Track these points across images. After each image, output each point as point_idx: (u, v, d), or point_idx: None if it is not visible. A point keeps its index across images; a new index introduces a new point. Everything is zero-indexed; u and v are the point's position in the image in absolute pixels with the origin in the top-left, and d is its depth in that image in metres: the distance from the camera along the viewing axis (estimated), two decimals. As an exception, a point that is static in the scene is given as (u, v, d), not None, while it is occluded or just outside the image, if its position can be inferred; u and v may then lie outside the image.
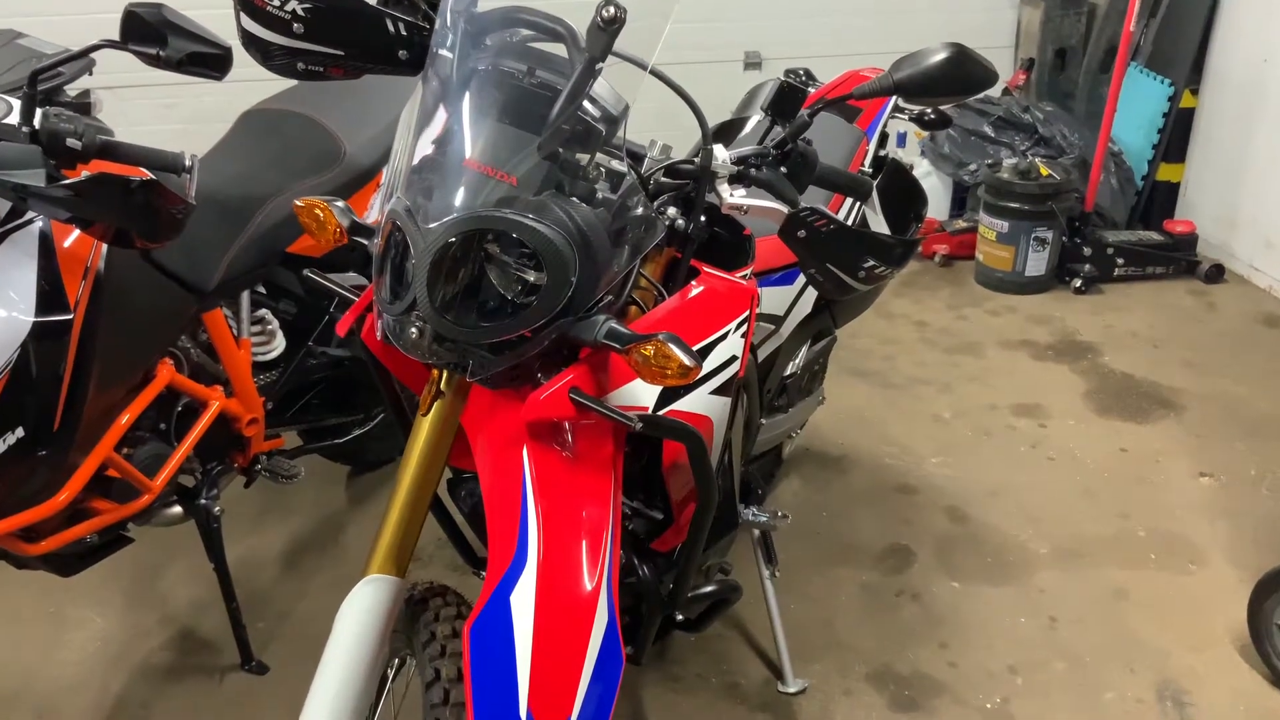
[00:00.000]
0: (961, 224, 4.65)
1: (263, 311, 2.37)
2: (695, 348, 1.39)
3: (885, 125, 2.54)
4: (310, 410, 2.59)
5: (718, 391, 1.44)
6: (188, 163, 1.70)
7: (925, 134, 4.77)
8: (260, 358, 2.36)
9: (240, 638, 2.33)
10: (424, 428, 1.37)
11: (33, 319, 1.63)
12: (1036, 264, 4.24)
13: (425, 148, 1.26)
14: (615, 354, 1.22)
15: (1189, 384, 3.52)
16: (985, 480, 3.01)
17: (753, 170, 1.47)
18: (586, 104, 1.22)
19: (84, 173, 1.61)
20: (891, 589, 2.58)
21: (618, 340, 1.21)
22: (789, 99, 1.50)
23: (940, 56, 1.43)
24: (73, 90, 2.46)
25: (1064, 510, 2.87)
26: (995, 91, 4.89)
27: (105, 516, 1.97)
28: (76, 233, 1.71)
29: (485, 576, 1.20)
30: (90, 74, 2.41)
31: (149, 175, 1.66)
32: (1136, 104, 4.60)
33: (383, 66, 1.36)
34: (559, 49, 1.31)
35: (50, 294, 1.67)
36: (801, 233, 1.52)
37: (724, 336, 1.43)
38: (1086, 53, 4.88)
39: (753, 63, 4.95)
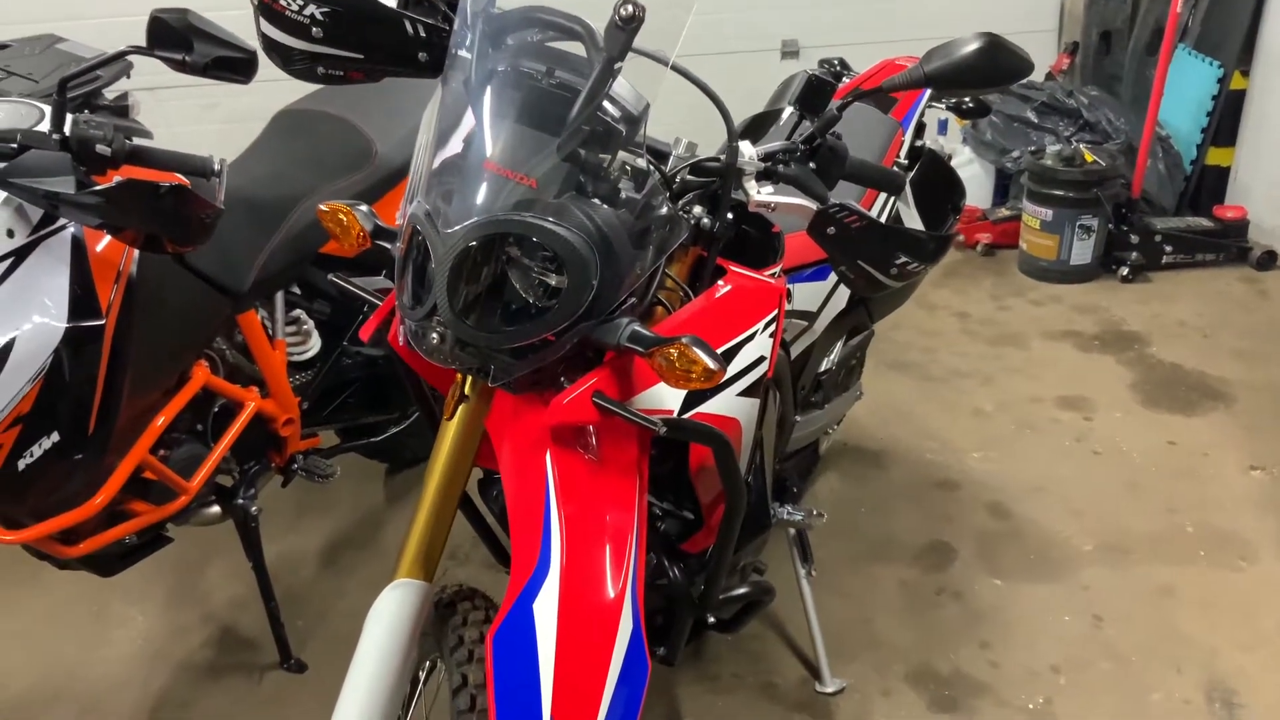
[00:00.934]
0: (1004, 212, 4.57)
1: (297, 312, 2.38)
2: (722, 348, 1.37)
3: (923, 114, 2.50)
4: (346, 409, 2.60)
5: (746, 393, 1.42)
6: (217, 167, 1.71)
7: (966, 121, 4.69)
8: (296, 358, 2.37)
9: (279, 636, 2.34)
10: (449, 432, 1.36)
11: (65, 325, 1.64)
12: (1082, 252, 4.16)
13: (445, 151, 1.25)
14: (639, 357, 1.21)
15: (1239, 374, 3.44)
16: (1028, 475, 2.95)
17: (780, 167, 1.44)
18: (606, 104, 1.20)
19: (115, 178, 1.62)
20: (932, 587, 2.54)
21: (641, 343, 1.19)
22: (817, 93, 1.47)
23: (973, 47, 1.38)
24: (111, 93, 2.49)
25: (1109, 505, 2.81)
26: (1038, 76, 4.80)
27: (143, 518, 1.99)
28: (108, 238, 1.72)
29: (508, 582, 1.19)
30: (128, 76, 2.44)
31: (180, 180, 1.67)
32: (1184, 87, 4.49)
33: (402, 69, 1.35)
34: (578, 48, 1.29)
35: (83, 299, 1.68)
36: (831, 229, 1.48)
37: (752, 336, 1.41)
38: (1132, 35, 4.76)
39: (790, 51, 4.90)
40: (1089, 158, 4.10)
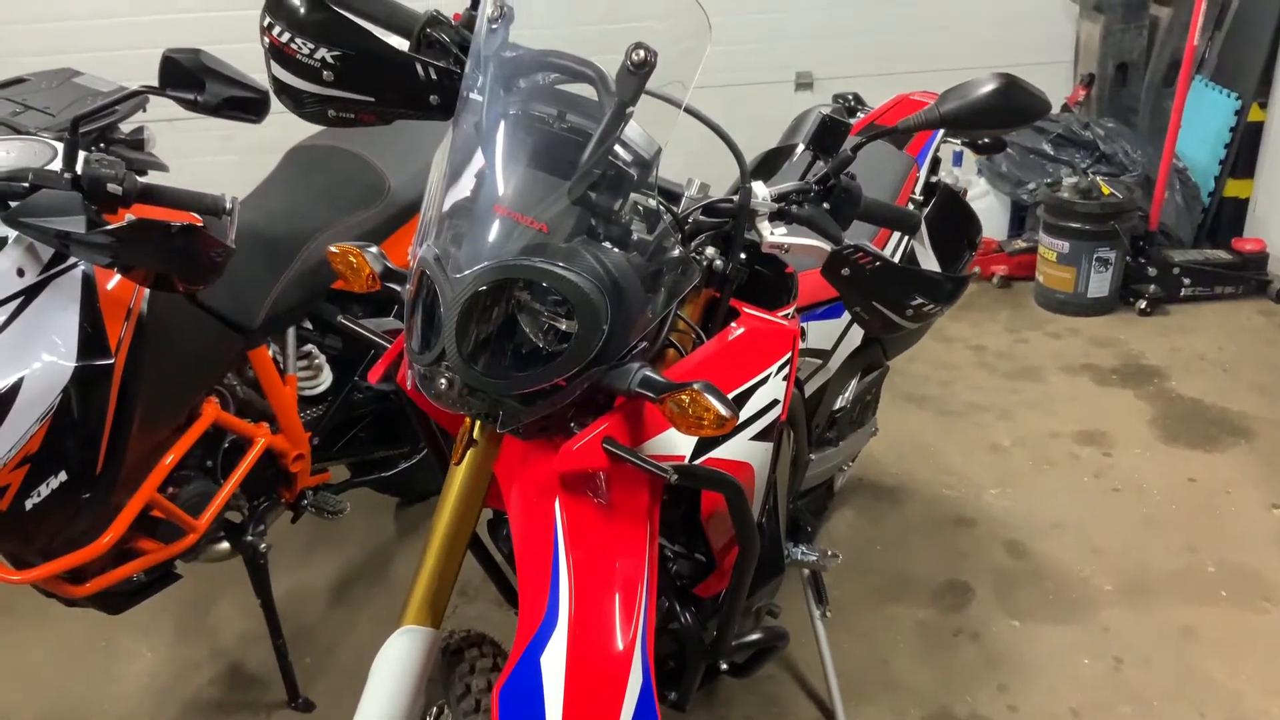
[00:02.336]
0: (1020, 244, 4.54)
1: (309, 347, 2.38)
2: (735, 392, 1.35)
3: (938, 150, 2.48)
4: (357, 444, 2.59)
5: (759, 437, 1.40)
6: (228, 205, 1.70)
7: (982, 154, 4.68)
8: (307, 392, 2.36)
9: (286, 674, 2.32)
10: (457, 477, 1.34)
11: (75, 364, 1.64)
12: (1099, 285, 4.13)
13: (455, 193, 1.23)
14: (650, 403, 1.19)
15: (1261, 409, 3.39)
16: (1047, 512, 2.91)
17: (794, 208, 1.43)
18: (618, 148, 1.19)
19: (127, 217, 1.62)
20: (949, 627, 2.50)
21: (652, 389, 1.17)
22: (831, 133, 1.45)
23: (989, 88, 1.36)
24: (127, 126, 2.50)
25: (1129, 544, 2.76)
26: (1054, 108, 4.78)
27: (151, 556, 1.98)
28: (119, 276, 1.71)
29: (516, 632, 1.16)
30: (145, 110, 2.45)
31: (193, 219, 1.67)
32: (1202, 119, 4.47)
33: (413, 112, 1.34)
34: (590, 91, 1.28)
35: (93, 338, 1.67)
36: (845, 271, 1.46)
37: (765, 380, 1.39)
38: (1149, 67, 4.75)
39: (804, 83, 4.90)
40: (1105, 190, 4.08)
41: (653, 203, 1.28)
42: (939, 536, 2.84)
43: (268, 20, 1.25)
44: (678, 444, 1.28)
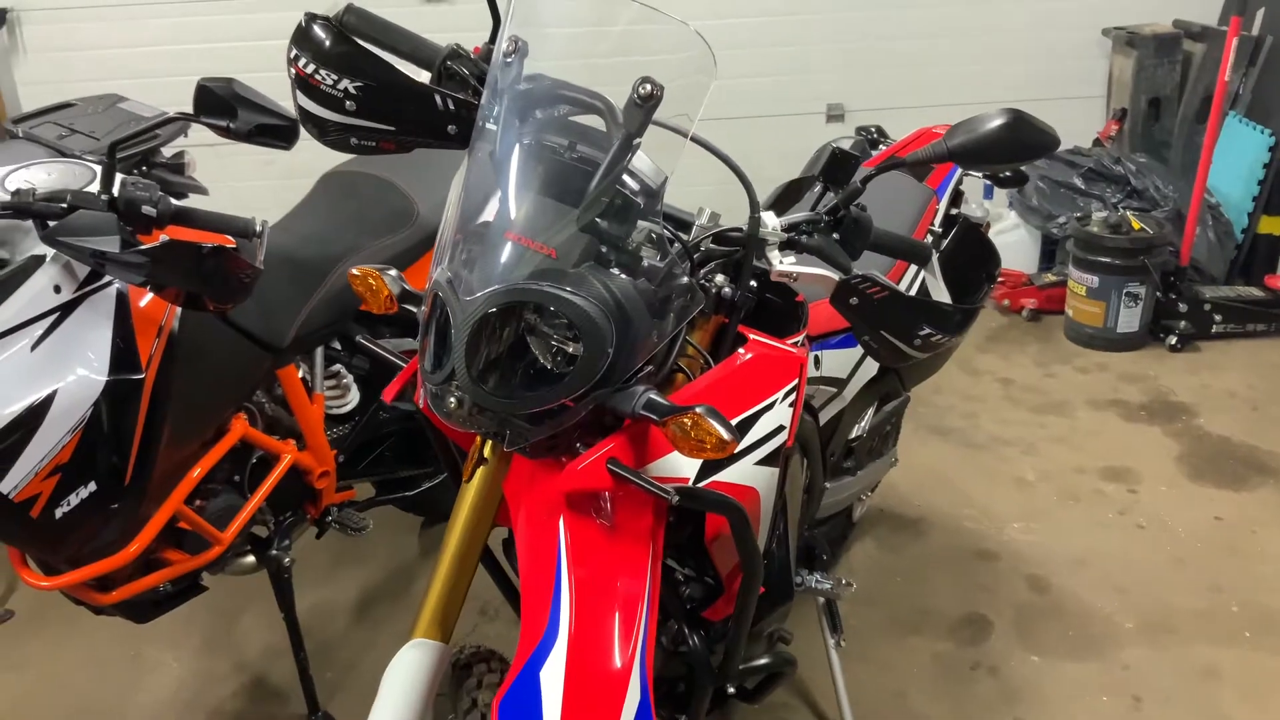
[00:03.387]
0: (1050, 278, 4.53)
1: (337, 367, 2.43)
2: (741, 417, 1.38)
3: (959, 183, 2.50)
4: (382, 463, 2.63)
5: (764, 462, 1.42)
6: (258, 228, 1.76)
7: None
8: (334, 411, 2.41)
9: (308, 688, 2.36)
10: (468, 494, 1.38)
11: (106, 378, 1.69)
12: (1129, 320, 4.11)
13: (468, 219, 1.28)
14: (654, 425, 1.22)
15: (1291, 449, 3.36)
16: (1070, 548, 2.90)
17: (804, 237, 1.46)
18: (626, 177, 1.22)
19: (161, 238, 1.68)
20: (967, 661, 2.49)
21: (655, 411, 1.20)
22: (841, 165, 1.48)
23: (997, 123, 1.39)
24: (169, 151, 2.58)
25: (1153, 581, 2.74)
26: (1085, 142, 4.78)
27: (177, 567, 2.02)
28: (151, 294, 1.77)
29: (517, 647, 1.19)
30: (186, 135, 2.53)
31: (223, 240, 1.72)
32: (1235, 155, 4.45)
33: (432, 141, 1.39)
34: (601, 122, 1.32)
35: (124, 353, 1.73)
36: (854, 300, 1.49)
37: (771, 405, 1.41)
38: (1182, 102, 4.74)
39: (835, 115, 4.93)
40: (1136, 225, 4.07)
41: (661, 232, 1.32)
42: (960, 569, 2.83)
43: (294, 52, 1.31)
44: (682, 466, 1.31)
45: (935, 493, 3.20)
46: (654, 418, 1.19)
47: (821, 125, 4.95)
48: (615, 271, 1.23)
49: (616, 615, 1.19)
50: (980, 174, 2.43)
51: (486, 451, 1.35)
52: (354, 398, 2.46)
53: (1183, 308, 4.14)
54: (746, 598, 1.46)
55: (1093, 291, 4.12)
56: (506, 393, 1.21)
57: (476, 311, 1.18)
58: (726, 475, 1.36)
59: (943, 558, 2.89)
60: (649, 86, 1.14)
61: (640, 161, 1.23)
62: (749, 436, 1.38)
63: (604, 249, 1.24)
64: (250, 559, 2.29)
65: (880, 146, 2.55)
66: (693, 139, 1.29)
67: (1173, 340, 4.13)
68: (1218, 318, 4.16)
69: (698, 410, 1.16)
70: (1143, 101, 4.73)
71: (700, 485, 1.33)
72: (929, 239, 2.26)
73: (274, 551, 2.26)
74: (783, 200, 2.21)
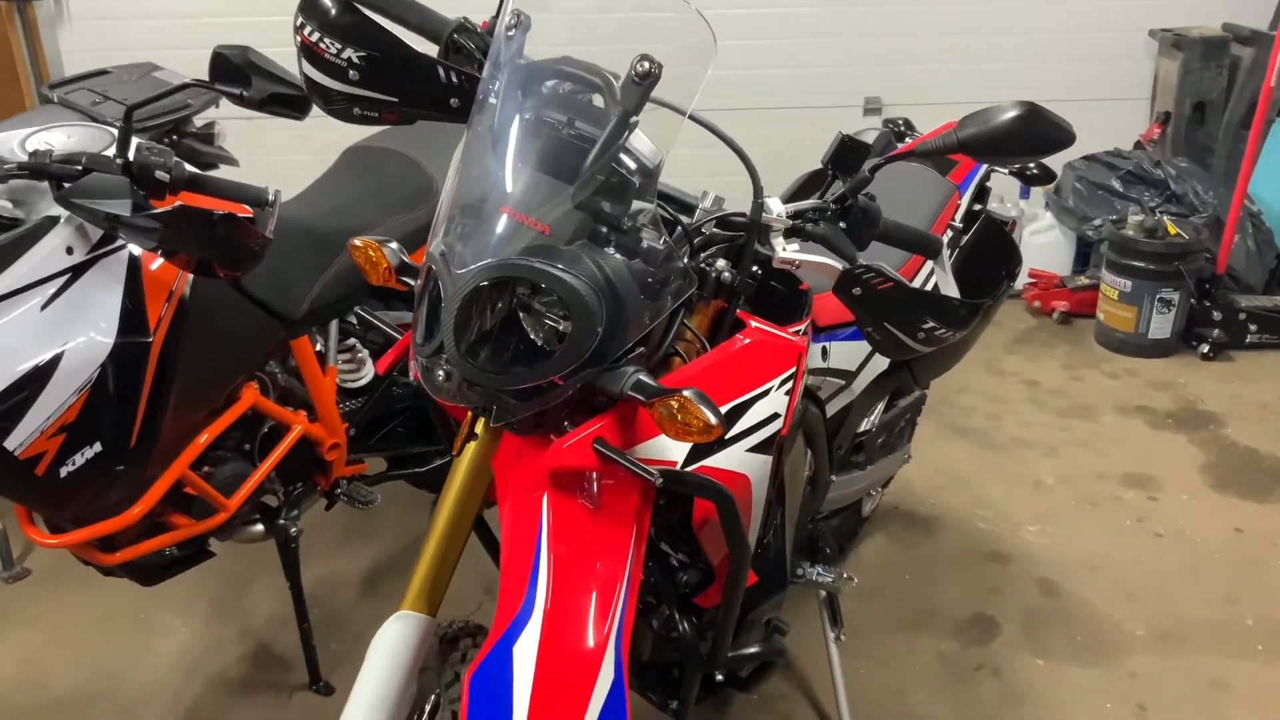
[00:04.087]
0: (1083, 280, 4.47)
1: (352, 340, 2.44)
2: (734, 403, 1.37)
3: (986, 179, 2.47)
4: (394, 438, 2.64)
5: (757, 449, 1.41)
6: (270, 198, 1.77)
7: (1049, 186, 4.62)
8: (348, 385, 2.43)
9: (310, 658, 2.38)
10: (459, 469, 1.38)
11: (114, 340, 1.71)
12: (1161, 326, 4.04)
13: (466, 193, 1.27)
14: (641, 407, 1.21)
15: (1319, 463, 3.29)
16: (1084, 553, 2.86)
17: (809, 225, 1.44)
18: (623, 156, 1.21)
19: (177, 203, 1.69)
20: (971, 661, 2.47)
21: (643, 392, 1.19)
22: (850, 153, 1.47)
23: (1010, 115, 1.36)
24: (200, 120, 2.61)
25: (1166, 590, 2.70)
26: (1126, 144, 4.70)
27: (182, 531, 2.05)
28: (163, 259, 1.79)
29: (493, 622, 1.19)
30: (217, 106, 2.55)
31: (242, 209, 1.73)
32: (1280, 163, 4.36)
33: (435, 113, 1.39)
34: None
35: (133, 316, 1.75)
36: (857, 290, 1.47)
37: (766, 393, 1.40)
38: (1228, 107, 4.64)
39: (873, 108, 4.88)
40: (1172, 230, 4.00)
41: (661, 212, 1.31)
42: (970, 569, 2.80)
43: (300, 20, 1.31)
44: (670, 450, 1.30)
45: (951, 492, 3.17)
46: (641, 398, 1.19)
47: (859, 118, 4.90)
48: (610, 250, 1.22)
49: (594, 594, 1.19)
50: (1006, 170, 2.38)
51: (478, 428, 1.35)
52: (368, 372, 2.48)
53: (1217, 316, 4.07)
54: (734, 585, 1.46)
55: (1125, 296, 4.06)
56: (495, 368, 1.21)
57: (466, 285, 1.18)
58: (716, 460, 1.35)
59: (954, 557, 2.86)
60: (647, 64, 1.13)
61: (638, 141, 1.22)
62: (742, 423, 1.37)
63: (599, 227, 1.23)
64: (259, 528, 2.31)
65: (907, 139, 2.52)
66: (694, 119, 1.27)
67: (1205, 348, 4.05)
68: (1253, 327, 4.08)
69: (685, 393, 1.15)
70: (1187, 105, 4.63)
71: (689, 469, 1.32)
72: (949, 234, 2.23)
73: (281, 521, 2.28)
74: (806, 189, 2.19)
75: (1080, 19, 4.75)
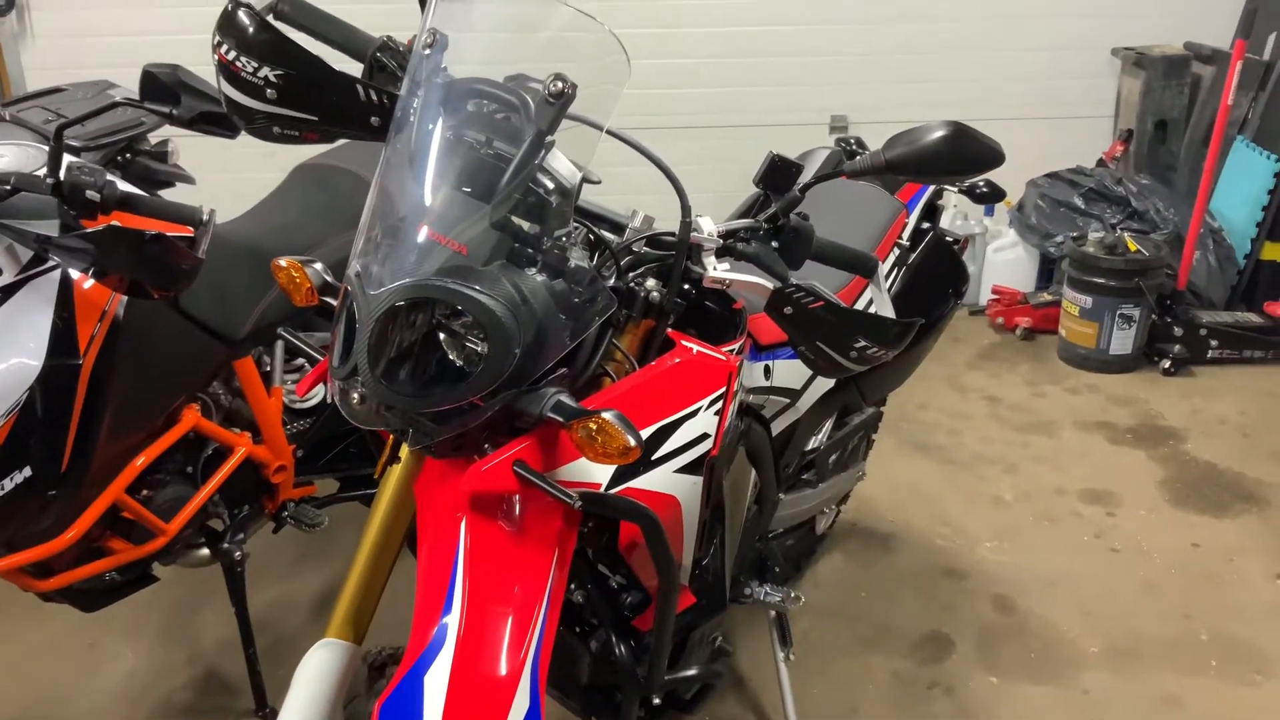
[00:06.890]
0: (1046, 297, 4.49)
1: (300, 360, 2.42)
2: (661, 423, 1.36)
3: (936, 197, 2.47)
4: (345, 459, 2.61)
5: (686, 470, 1.39)
6: (205, 217, 1.75)
7: (1011, 203, 4.64)
8: (296, 405, 2.40)
9: (256, 684, 2.34)
10: (383, 494, 1.36)
11: (43, 363, 1.69)
12: (1122, 342, 4.06)
13: (383, 213, 1.26)
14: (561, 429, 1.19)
15: (1276, 477, 3.30)
16: (1041, 569, 2.86)
17: (740, 244, 1.43)
18: (541, 176, 1.21)
19: (109, 223, 1.67)
20: (924, 680, 2.46)
21: (562, 414, 1.18)
22: (781, 173, 1.46)
23: (937, 135, 1.36)
24: (154, 138, 2.58)
25: (1122, 606, 2.70)
26: (1089, 162, 4.73)
27: (120, 556, 2.01)
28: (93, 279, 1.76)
29: (405, 651, 1.17)
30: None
31: (178, 229, 1.71)
32: (1241, 179, 4.39)
33: (356, 132, 1.38)
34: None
35: (64, 338, 1.72)
36: (788, 309, 1.46)
37: (694, 413, 1.39)
38: (1189, 125, 4.68)
39: (838, 127, 4.90)
40: (1132, 246, 4.02)
41: (586, 232, 1.30)
42: (927, 587, 2.80)
43: (217, 39, 1.30)
44: (594, 472, 1.28)
45: (911, 509, 3.16)
46: (560, 420, 1.17)
47: (825, 137, 4.92)
48: (529, 271, 1.21)
49: (510, 620, 1.17)
50: (955, 188, 2.39)
51: (402, 451, 1.33)
52: (317, 392, 2.45)
53: (1178, 331, 4.09)
54: (665, 606, 1.44)
55: (1086, 312, 4.07)
56: (413, 389, 1.19)
57: (380, 306, 1.16)
58: (643, 482, 1.33)
59: (911, 574, 2.85)
60: (560, 84, 1.13)
61: (556, 161, 1.21)
62: (669, 443, 1.36)
63: (520, 247, 1.22)
64: (204, 552, 2.27)
65: (858, 158, 2.52)
66: (613, 134, 1.27)
67: (1166, 364, 4.07)
68: (1214, 343, 4.10)
69: (604, 415, 1.14)
70: (1149, 123, 4.67)
71: (613, 492, 1.30)
72: (895, 251, 2.23)
73: (226, 545, 2.25)
74: (757, 208, 2.19)
75: (1044, 38, 4.79)
